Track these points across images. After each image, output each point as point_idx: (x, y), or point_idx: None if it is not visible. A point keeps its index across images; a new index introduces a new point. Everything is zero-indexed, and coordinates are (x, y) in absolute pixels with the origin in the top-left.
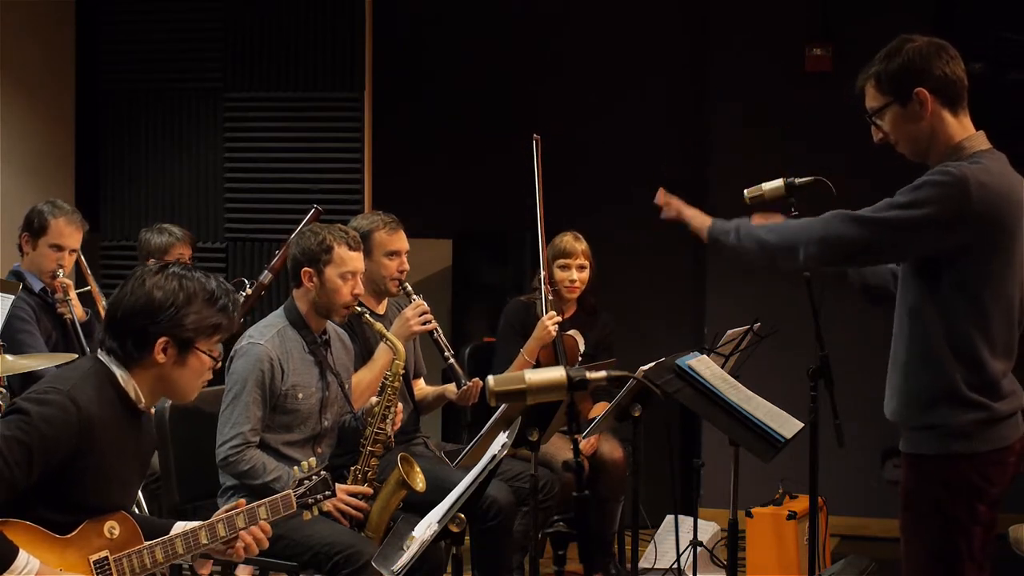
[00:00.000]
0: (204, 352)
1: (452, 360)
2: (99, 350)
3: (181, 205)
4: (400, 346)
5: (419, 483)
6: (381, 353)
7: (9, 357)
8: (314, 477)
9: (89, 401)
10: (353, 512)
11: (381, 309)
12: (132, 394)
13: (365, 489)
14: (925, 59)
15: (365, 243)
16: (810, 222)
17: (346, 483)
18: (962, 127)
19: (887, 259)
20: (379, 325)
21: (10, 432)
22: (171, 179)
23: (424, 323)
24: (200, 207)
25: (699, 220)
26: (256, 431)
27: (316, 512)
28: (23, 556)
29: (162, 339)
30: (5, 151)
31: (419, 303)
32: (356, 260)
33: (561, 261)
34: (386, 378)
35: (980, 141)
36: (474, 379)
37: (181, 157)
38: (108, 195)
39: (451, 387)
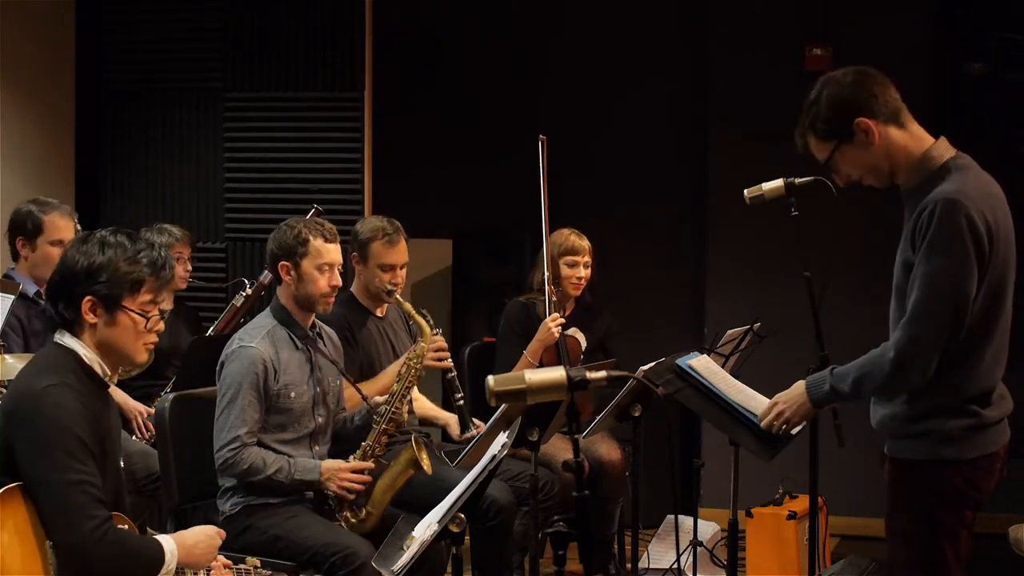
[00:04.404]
0: (133, 311)
1: (461, 403)
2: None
3: (181, 205)
4: (427, 328)
5: (428, 466)
6: (385, 375)
7: (9, 358)
8: None
9: (84, 392)
10: (356, 487)
11: (380, 312)
12: (98, 370)
13: (368, 464)
14: (850, 90)
15: (362, 250)
16: (885, 350)
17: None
18: (918, 139)
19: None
20: (408, 305)
21: (46, 450)
22: (171, 179)
23: (439, 359)
24: (200, 207)
25: (801, 404)
26: (253, 433)
27: None
28: (165, 541)
29: (87, 299)
30: (5, 151)
31: (438, 340)
32: (333, 252)
33: (568, 258)
34: (409, 359)
35: (945, 148)
36: (478, 426)
37: (181, 157)
38: (108, 195)
39: (454, 424)
